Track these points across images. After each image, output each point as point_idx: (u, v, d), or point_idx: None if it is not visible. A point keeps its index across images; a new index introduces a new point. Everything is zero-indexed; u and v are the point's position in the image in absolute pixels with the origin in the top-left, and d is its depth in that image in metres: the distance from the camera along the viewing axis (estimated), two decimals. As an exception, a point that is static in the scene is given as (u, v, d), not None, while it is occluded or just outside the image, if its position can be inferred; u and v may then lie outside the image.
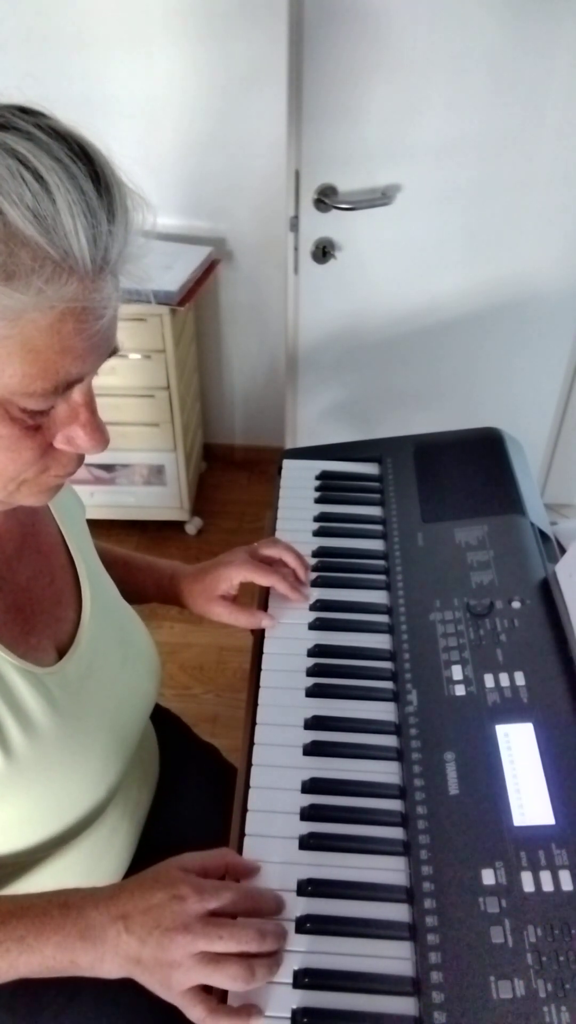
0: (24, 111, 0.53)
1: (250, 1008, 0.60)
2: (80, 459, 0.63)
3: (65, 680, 0.73)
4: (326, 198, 1.63)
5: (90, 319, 0.54)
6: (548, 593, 0.88)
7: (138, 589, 0.98)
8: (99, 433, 0.60)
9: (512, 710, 0.77)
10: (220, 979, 0.59)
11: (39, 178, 0.49)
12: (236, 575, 0.93)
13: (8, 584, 0.72)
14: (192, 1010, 0.59)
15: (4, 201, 0.49)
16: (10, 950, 0.60)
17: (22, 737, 0.67)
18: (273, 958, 0.62)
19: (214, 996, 0.60)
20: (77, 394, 0.59)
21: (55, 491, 0.65)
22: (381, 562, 0.98)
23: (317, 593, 0.95)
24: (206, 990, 0.60)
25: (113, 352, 0.59)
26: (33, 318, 0.51)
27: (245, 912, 0.64)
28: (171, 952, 0.58)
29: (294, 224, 1.67)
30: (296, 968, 0.62)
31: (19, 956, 0.60)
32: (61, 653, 0.75)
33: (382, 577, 0.96)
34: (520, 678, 0.80)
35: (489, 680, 0.80)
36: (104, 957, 0.59)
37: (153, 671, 0.87)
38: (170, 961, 0.58)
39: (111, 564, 0.92)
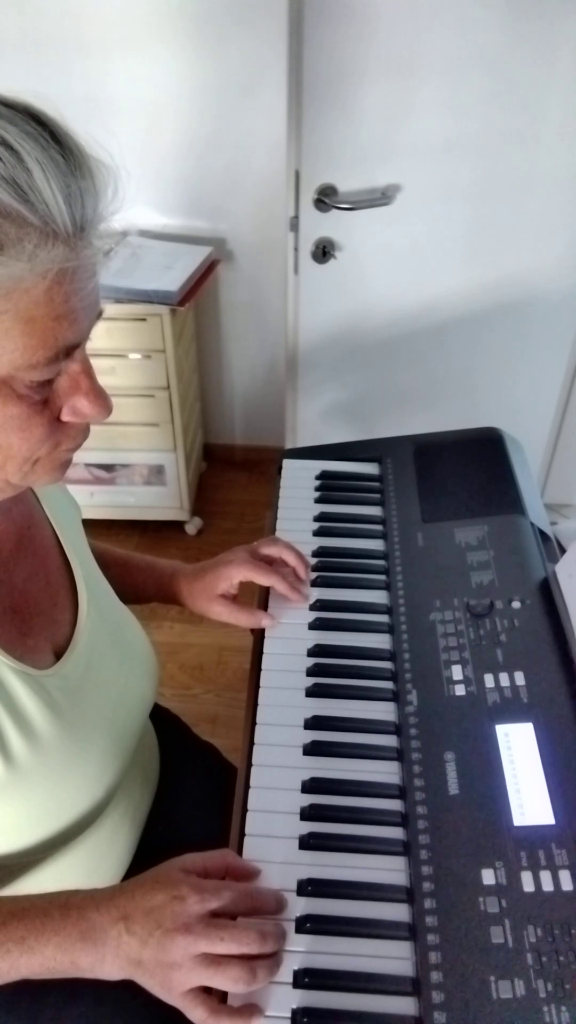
0: None
1: (251, 1008, 0.60)
2: (87, 430, 0.63)
3: (63, 682, 0.73)
4: (326, 198, 1.63)
5: (83, 278, 0.54)
6: (548, 593, 0.88)
7: (138, 589, 0.98)
8: (102, 399, 0.61)
9: (512, 710, 0.77)
10: (221, 981, 0.59)
11: (8, 147, 0.50)
12: (236, 574, 0.93)
13: (4, 586, 0.72)
14: (193, 1011, 0.59)
15: None
16: (11, 951, 0.60)
17: (21, 740, 0.67)
18: (273, 959, 0.62)
19: (214, 997, 0.60)
20: (75, 363, 0.59)
21: (67, 466, 0.66)
22: (381, 562, 0.98)
23: (317, 593, 0.95)
24: (206, 991, 0.60)
25: (99, 314, 0.60)
26: (27, 288, 0.52)
27: (246, 912, 0.64)
28: (172, 953, 0.58)
29: (294, 224, 1.67)
30: (296, 968, 0.62)
31: (20, 957, 0.60)
32: (58, 655, 0.75)
33: (382, 577, 0.96)
34: (520, 678, 0.80)
35: (489, 680, 0.80)
36: (105, 958, 0.59)
37: (150, 672, 0.87)
38: (171, 962, 0.58)
39: (111, 564, 0.92)
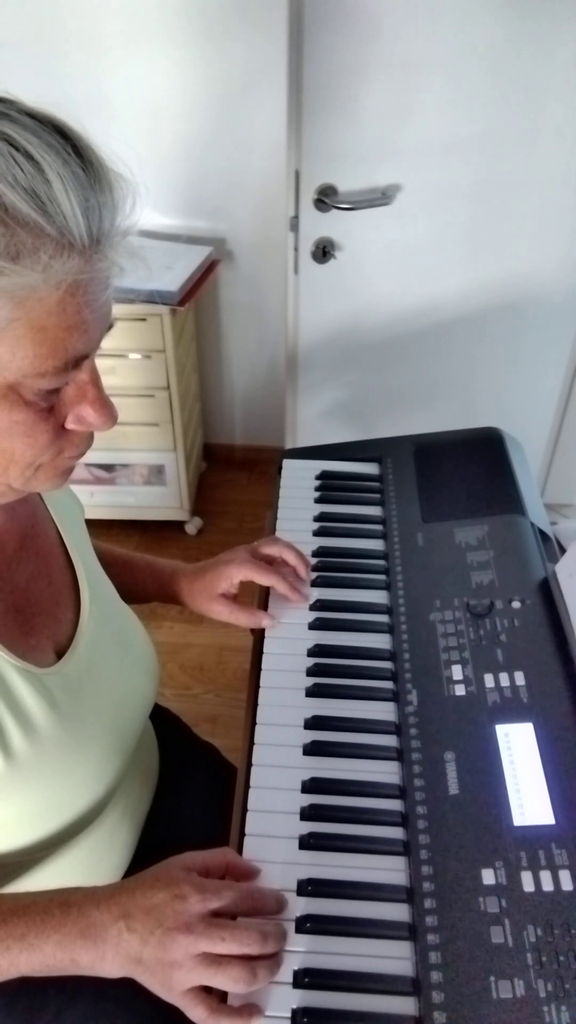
0: None
1: (251, 1008, 0.60)
2: (91, 438, 0.64)
3: (65, 680, 0.73)
4: (326, 198, 1.63)
5: (97, 290, 0.55)
6: (548, 593, 0.88)
7: (138, 588, 0.98)
8: (107, 409, 0.62)
9: (512, 710, 0.77)
10: (221, 981, 0.59)
11: (30, 158, 0.50)
12: (237, 574, 0.93)
13: (8, 585, 0.72)
14: (193, 1010, 0.59)
15: (0, 184, 0.49)
16: (11, 948, 0.60)
17: (22, 737, 0.67)
18: (274, 960, 0.62)
19: (214, 996, 0.60)
20: (83, 372, 0.60)
21: (69, 474, 0.66)
22: (381, 562, 0.98)
23: (317, 593, 0.95)
24: (206, 990, 0.60)
25: (110, 326, 0.60)
26: (40, 297, 0.52)
27: (247, 912, 0.64)
28: (172, 952, 0.58)
29: (294, 224, 1.67)
30: (296, 968, 0.62)
31: (20, 954, 0.60)
32: (59, 654, 0.75)
33: (382, 577, 0.96)
34: (520, 678, 0.80)
35: (489, 680, 0.80)
36: (105, 956, 0.59)
37: (151, 671, 0.88)
38: (171, 961, 0.58)
39: (111, 564, 0.92)
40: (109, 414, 0.62)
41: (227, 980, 0.59)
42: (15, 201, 0.49)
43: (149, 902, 0.60)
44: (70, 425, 0.61)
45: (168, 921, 0.59)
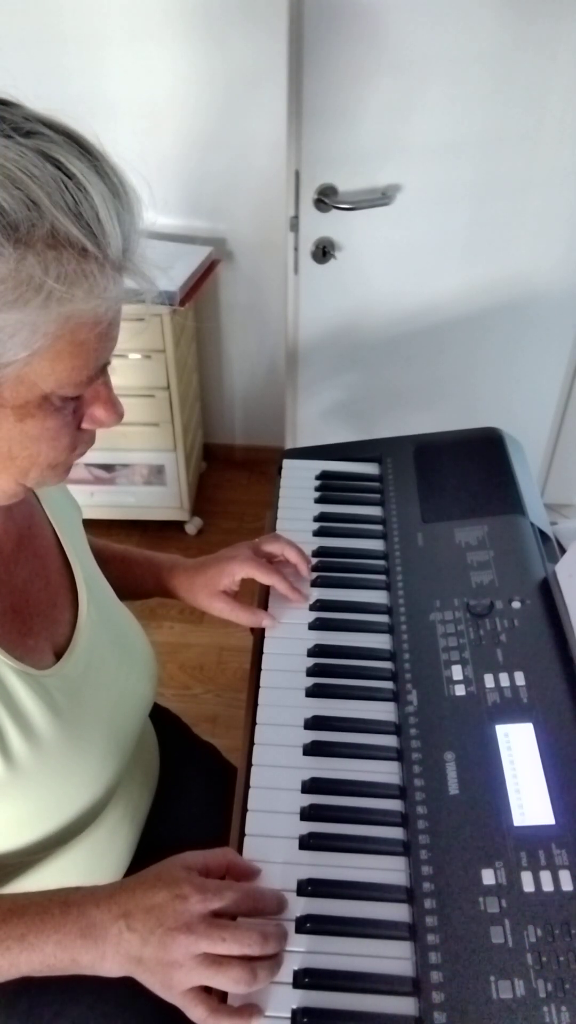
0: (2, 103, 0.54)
1: (251, 1008, 0.60)
2: (95, 435, 0.66)
3: (63, 682, 0.73)
4: (326, 198, 1.63)
5: (122, 305, 0.58)
6: (548, 593, 0.88)
7: (136, 583, 0.97)
8: (117, 407, 0.64)
9: (512, 710, 0.77)
10: (222, 981, 0.59)
11: (78, 183, 0.51)
12: (239, 571, 0.92)
13: (5, 586, 0.72)
14: (193, 1010, 0.59)
15: (53, 208, 0.50)
16: (11, 948, 0.60)
17: (21, 740, 0.67)
18: (274, 960, 0.62)
19: (214, 996, 0.60)
20: (100, 375, 0.61)
21: (71, 469, 0.68)
22: (381, 562, 0.98)
23: (317, 593, 0.95)
24: (206, 990, 0.60)
25: None
26: (86, 321, 0.54)
27: (247, 912, 0.64)
28: (173, 952, 0.58)
29: (294, 224, 1.67)
30: (296, 968, 0.62)
31: (20, 954, 0.60)
32: (58, 655, 0.75)
33: (382, 577, 0.96)
34: (520, 678, 0.80)
35: (489, 680, 0.80)
36: (105, 955, 0.59)
37: (150, 672, 0.88)
38: (172, 961, 0.58)
39: (109, 560, 0.92)
40: (119, 412, 0.64)
41: (227, 980, 0.59)
42: (68, 227, 0.50)
43: (150, 901, 0.60)
44: (84, 425, 0.63)
45: (169, 921, 0.59)
